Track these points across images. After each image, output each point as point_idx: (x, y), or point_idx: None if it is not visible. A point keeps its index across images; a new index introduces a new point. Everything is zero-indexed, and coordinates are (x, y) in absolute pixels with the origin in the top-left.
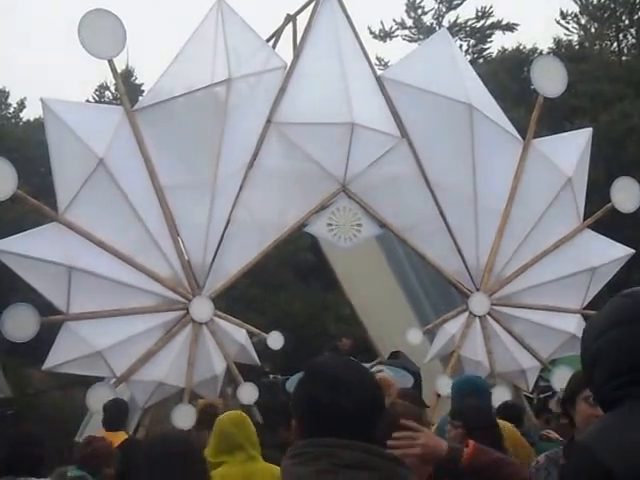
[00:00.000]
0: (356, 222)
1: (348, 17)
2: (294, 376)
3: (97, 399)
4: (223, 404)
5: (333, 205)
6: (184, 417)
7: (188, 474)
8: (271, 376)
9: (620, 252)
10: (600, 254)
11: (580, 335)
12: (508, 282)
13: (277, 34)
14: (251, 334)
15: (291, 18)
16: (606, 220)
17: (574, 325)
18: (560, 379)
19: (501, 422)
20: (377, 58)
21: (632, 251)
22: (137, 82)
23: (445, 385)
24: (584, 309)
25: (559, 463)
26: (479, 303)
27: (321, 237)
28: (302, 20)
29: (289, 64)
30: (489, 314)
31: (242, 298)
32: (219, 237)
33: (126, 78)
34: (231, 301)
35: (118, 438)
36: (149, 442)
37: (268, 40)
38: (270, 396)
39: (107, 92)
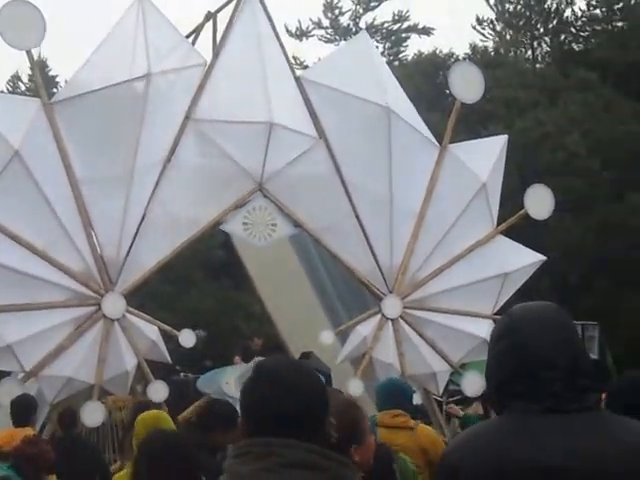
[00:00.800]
0: (271, 221)
1: (269, 17)
2: (206, 374)
3: (5, 393)
4: (132, 401)
5: (249, 204)
6: (92, 414)
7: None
8: (182, 374)
9: (532, 258)
10: (512, 260)
11: None
12: (421, 285)
13: (197, 31)
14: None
15: (212, 15)
16: (519, 226)
17: (485, 330)
18: (470, 383)
19: (422, 425)
20: (293, 57)
21: (543, 258)
22: (51, 74)
23: (356, 387)
24: (495, 314)
25: None
26: (392, 306)
27: (236, 235)
28: (223, 18)
29: (209, 61)
30: (401, 317)
31: (153, 295)
32: (134, 233)
33: (41, 69)
34: (142, 298)
35: (25, 433)
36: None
37: (188, 37)
38: (180, 394)
39: (20, 83)
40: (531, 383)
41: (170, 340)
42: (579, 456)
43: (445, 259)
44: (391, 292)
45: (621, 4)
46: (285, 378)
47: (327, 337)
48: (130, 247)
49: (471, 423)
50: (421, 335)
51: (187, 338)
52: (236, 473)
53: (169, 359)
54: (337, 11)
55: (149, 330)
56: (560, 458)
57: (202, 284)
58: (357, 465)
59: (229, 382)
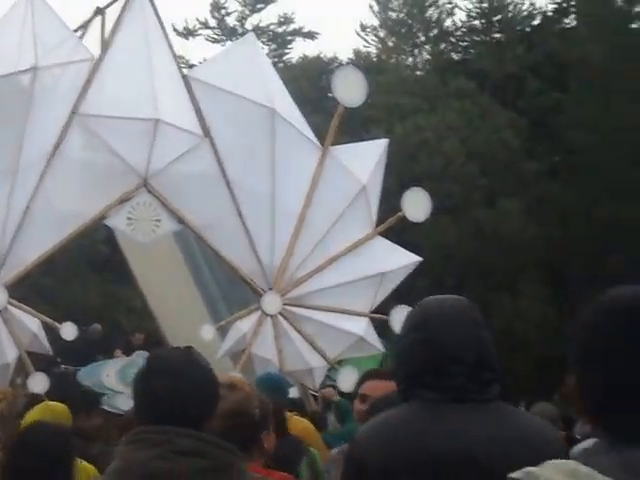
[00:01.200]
0: (155, 217)
1: (158, 15)
2: (86, 367)
3: None
4: (13, 393)
5: (133, 199)
6: None
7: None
8: (62, 367)
9: (408, 259)
10: (390, 260)
11: (368, 337)
12: (300, 283)
13: (85, 26)
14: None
15: (100, 11)
16: (397, 228)
17: (362, 328)
18: (345, 379)
19: (295, 417)
20: (179, 56)
21: (419, 259)
22: None
23: None
24: (372, 312)
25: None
26: (271, 302)
27: (120, 230)
28: (111, 14)
29: (97, 57)
30: (281, 313)
31: (35, 288)
32: (17, 226)
33: None
34: (25, 290)
35: None
36: None
37: (76, 31)
38: (61, 387)
39: None
40: (439, 376)
41: (51, 332)
42: (483, 443)
43: (325, 258)
44: (271, 289)
45: (499, 17)
46: (176, 368)
47: (207, 332)
48: (13, 240)
49: (344, 409)
50: (299, 332)
51: (68, 331)
52: (129, 459)
53: (50, 351)
54: (224, 12)
55: (31, 322)
56: (466, 446)
57: (84, 278)
58: (266, 451)
59: (109, 375)
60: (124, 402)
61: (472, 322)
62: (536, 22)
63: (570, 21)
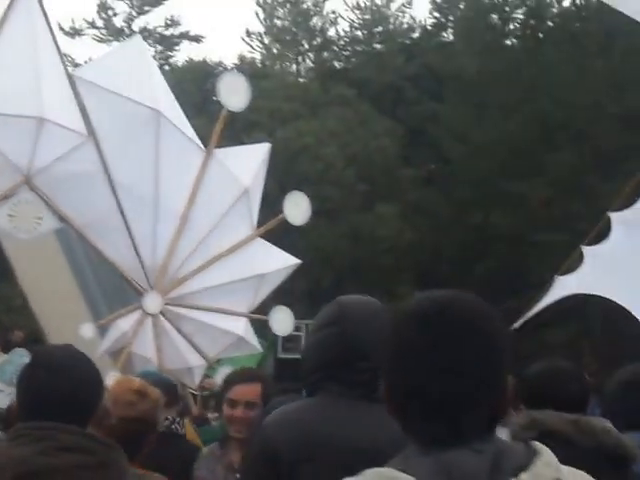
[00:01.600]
0: (37, 215)
1: (44, 12)
2: None
3: None
4: None
5: (15, 197)
6: None
7: None
8: None
9: (288, 261)
10: (269, 262)
11: (247, 337)
12: (182, 283)
13: None
14: None
15: None
16: (277, 230)
17: (242, 327)
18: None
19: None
20: (65, 55)
21: (299, 261)
22: None
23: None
24: (251, 313)
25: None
26: (152, 301)
27: (0, 228)
28: None
29: None
30: (161, 313)
31: None
32: None
33: None
34: None
35: None
36: None
37: None
38: None
39: None
40: (348, 371)
41: None
42: (388, 441)
43: (206, 259)
44: (152, 289)
45: (381, 28)
46: (59, 364)
47: (87, 330)
48: None
49: None
50: (179, 331)
51: None
52: (8, 455)
53: None
54: (111, 12)
55: None
56: (373, 442)
57: None
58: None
59: None
60: (1, 400)
61: (385, 323)
62: (416, 35)
63: (448, 35)
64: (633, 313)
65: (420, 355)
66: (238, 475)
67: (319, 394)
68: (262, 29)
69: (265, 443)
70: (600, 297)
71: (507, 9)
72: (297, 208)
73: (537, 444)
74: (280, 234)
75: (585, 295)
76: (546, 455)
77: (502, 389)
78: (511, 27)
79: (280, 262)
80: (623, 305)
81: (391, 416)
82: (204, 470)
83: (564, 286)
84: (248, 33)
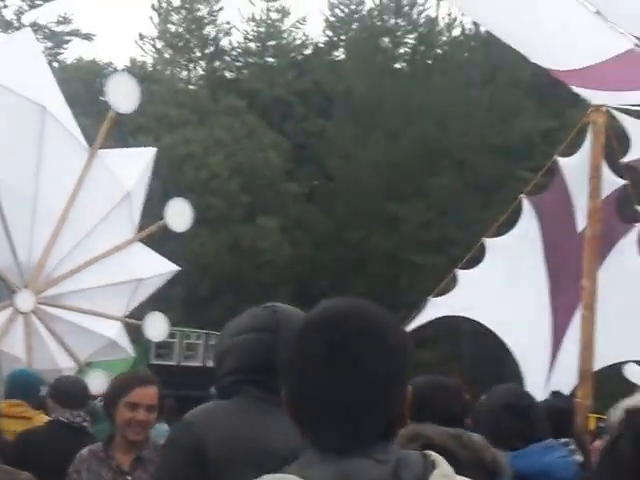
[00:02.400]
0: None
1: None
2: None
3: None
4: None
5: None
6: None
7: None
8: None
9: (167, 267)
10: (148, 267)
11: (119, 341)
12: (57, 283)
13: None
14: None
15: None
16: (158, 236)
17: (115, 331)
18: (94, 382)
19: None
20: None
21: (177, 268)
22: None
23: None
24: (126, 317)
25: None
26: (25, 300)
27: None
28: None
29: None
30: (34, 312)
31: None
32: None
33: None
34: None
35: None
36: None
37: None
38: None
39: None
40: (271, 377)
41: None
42: (284, 438)
43: (83, 260)
44: (26, 287)
45: (274, 42)
46: None
47: None
48: None
49: (93, 410)
50: (51, 331)
51: None
52: None
53: None
54: (1, 4)
55: None
56: (281, 444)
57: None
58: None
59: None
60: None
61: None
62: (308, 51)
63: (339, 54)
64: (500, 336)
65: (322, 361)
66: (129, 478)
67: (239, 396)
68: (155, 33)
69: (193, 441)
70: (471, 320)
71: (399, 33)
72: (179, 215)
73: (434, 455)
74: (161, 240)
75: (457, 317)
76: (443, 466)
77: (402, 398)
78: (401, 51)
79: (159, 268)
80: (492, 328)
81: (292, 422)
82: (85, 473)
83: (437, 307)
84: (141, 36)
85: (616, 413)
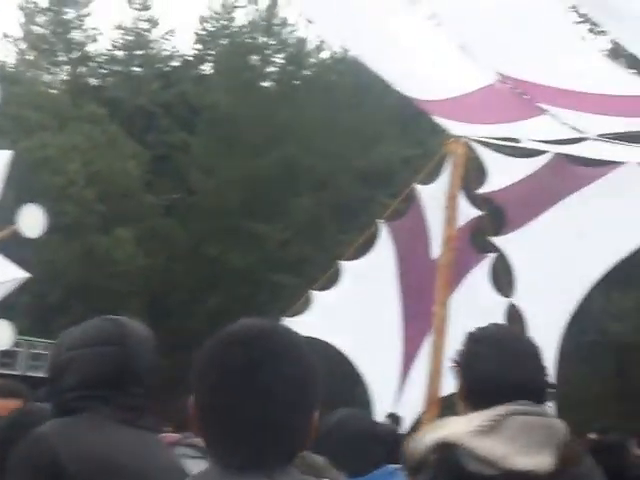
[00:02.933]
0: None
1: None
2: None
3: None
4: None
5: None
6: None
7: None
8: None
9: (15, 274)
10: None
11: None
12: None
13: None
14: None
15: None
16: (8, 241)
17: None
18: None
19: None
20: None
21: (27, 275)
22: None
23: None
24: None
25: None
26: None
27: None
28: None
29: None
30: None
31: None
32: None
33: None
34: None
35: None
36: None
37: None
38: None
39: None
40: (119, 393)
41: None
42: (149, 467)
43: None
44: None
45: (141, 52)
46: None
47: None
48: None
49: None
50: None
51: None
52: None
53: None
54: None
55: None
56: (133, 464)
57: None
58: None
59: None
60: None
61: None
62: (175, 63)
63: (207, 69)
64: (351, 359)
65: (237, 377)
66: None
67: (87, 413)
68: (20, 34)
69: (47, 456)
70: (323, 341)
71: (268, 52)
72: (32, 221)
73: None
74: (12, 245)
75: (310, 338)
76: None
77: (309, 422)
78: (270, 70)
79: (7, 274)
80: (343, 351)
81: (200, 436)
82: None
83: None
84: (5, 35)
85: (418, 445)
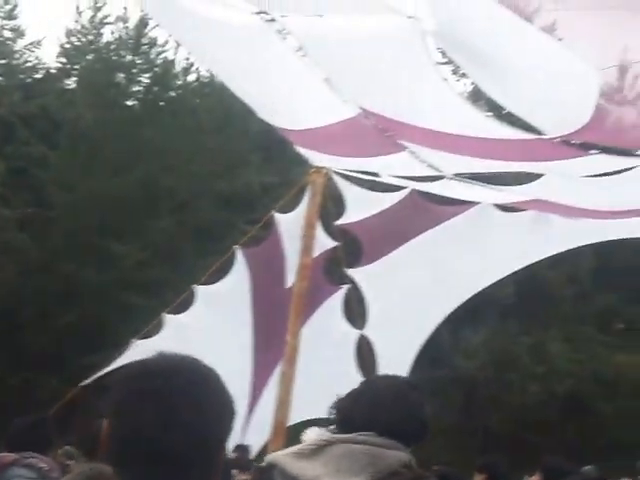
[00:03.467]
0: None
1: None
2: None
3: None
4: None
5: None
6: None
7: None
8: None
9: None
10: None
11: None
12: None
13: None
14: None
15: None
16: None
17: None
18: None
19: None
20: None
21: None
22: None
23: None
24: None
25: None
26: None
27: None
28: None
29: None
30: None
31: None
32: None
33: None
34: None
35: None
36: None
37: None
38: None
39: None
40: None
41: None
42: None
43: None
44: None
45: (3, 61)
46: None
47: None
48: None
49: None
50: None
51: None
52: None
53: None
54: None
55: None
56: None
57: None
58: None
59: None
60: None
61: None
62: (39, 76)
63: (71, 83)
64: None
65: (138, 407)
66: None
67: None
68: None
69: None
70: None
71: (134, 71)
72: None
73: None
74: None
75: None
76: None
77: (215, 455)
78: (135, 89)
79: None
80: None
81: (107, 462)
82: None
83: (140, 350)
84: None
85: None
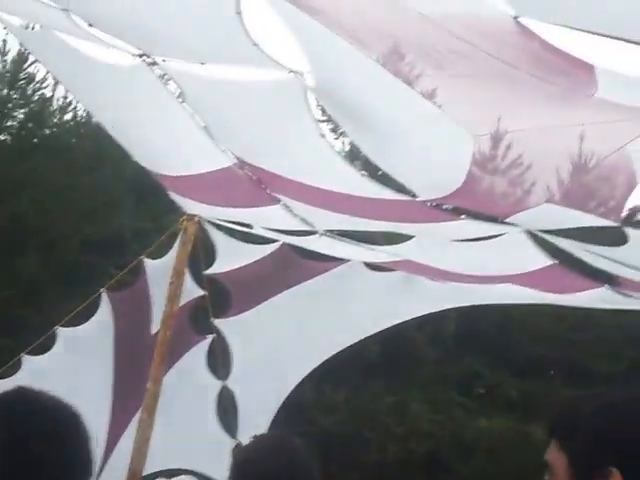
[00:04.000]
0: None
1: None
2: None
3: None
4: None
5: None
6: None
7: None
8: None
9: None
10: None
11: None
12: None
13: None
14: None
15: None
16: None
17: None
18: None
19: None
20: None
21: None
22: None
23: None
24: None
25: None
26: None
27: None
28: None
29: None
30: None
31: None
32: None
33: None
34: None
35: None
36: None
37: None
38: None
39: None
40: None
41: None
42: None
43: None
44: None
45: None
46: None
47: None
48: None
49: None
50: None
51: None
52: None
53: None
54: None
55: None
56: None
57: None
58: None
59: None
60: None
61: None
62: None
63: None
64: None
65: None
66: None
67: None
68: None
69: None
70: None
71: (10, 106)
72: None
73: None
74: None
75: None
76: None
77: None
78: (9, 124)
79: None
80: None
81: None
82: None
83: None
84: None
85: None
